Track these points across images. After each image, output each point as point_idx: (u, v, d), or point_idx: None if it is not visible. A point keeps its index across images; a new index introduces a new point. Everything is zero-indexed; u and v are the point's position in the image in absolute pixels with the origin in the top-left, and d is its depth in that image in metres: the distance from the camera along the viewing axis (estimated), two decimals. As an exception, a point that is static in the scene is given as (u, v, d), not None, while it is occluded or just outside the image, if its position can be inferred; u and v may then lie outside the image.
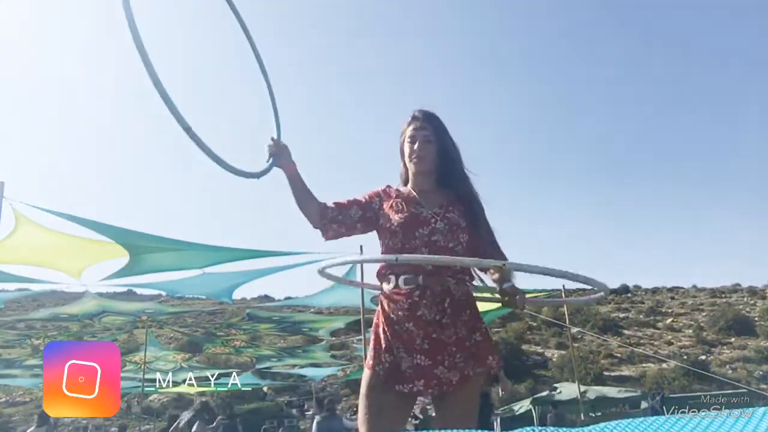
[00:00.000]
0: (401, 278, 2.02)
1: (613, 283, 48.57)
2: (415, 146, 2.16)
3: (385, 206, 2.18)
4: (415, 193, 2.19)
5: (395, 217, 2.10)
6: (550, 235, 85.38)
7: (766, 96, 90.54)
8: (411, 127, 2.20)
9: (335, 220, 2.18)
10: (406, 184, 2.26)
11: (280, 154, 2.18)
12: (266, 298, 38.79)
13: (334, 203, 2.21)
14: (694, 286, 47.23)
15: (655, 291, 46.62)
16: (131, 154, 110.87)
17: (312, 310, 13.45)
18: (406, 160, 2.20)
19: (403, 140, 2.22)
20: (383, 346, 2.00)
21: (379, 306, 2.10)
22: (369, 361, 2.03)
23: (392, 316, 2.01)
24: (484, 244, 2.12)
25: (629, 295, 45.58)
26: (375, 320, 2.11)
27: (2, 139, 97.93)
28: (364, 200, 2.22)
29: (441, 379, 1.92)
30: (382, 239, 2.14)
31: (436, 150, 2.16)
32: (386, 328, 2.02)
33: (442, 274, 2.01)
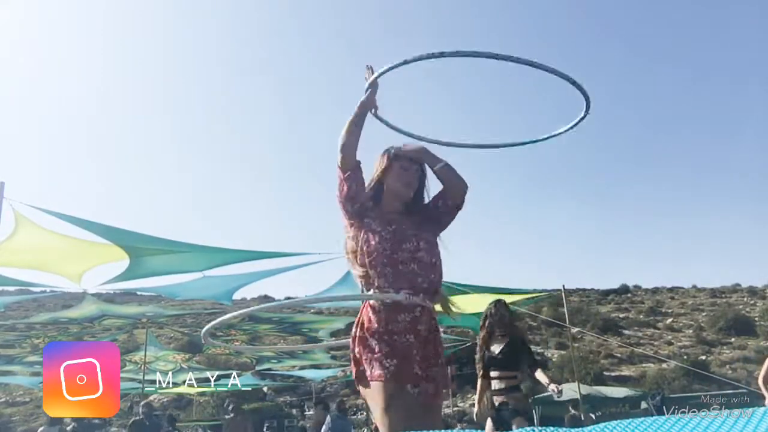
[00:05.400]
0: (402, 293, 2.17)
1: (613, 283, 48.65)
2: (408, 174, 2.37)
3: (372, 210, 2.36)
4: (390, 214, 2.37)
5: (385, 227, 2.28)
6: (549, 235, 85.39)
7: (767, 96, 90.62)
8: (406, 160, 2.39)
9: (361, 180, 2.35)
10: (371, 198, 2.40)
11: (374, 89, 2.42)
12: (266, 298, 38.77)
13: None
14: (694, 286, 47.23)
15: (655, 291, 46.59)
16: (132, 155, 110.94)
17: (312, 310, 13.44)
18: (393, 180, 2.36)
19: (393, 163, 2.39)
20: (384, 352, 2.13)
21: (366, 317, 2.23)
22: (375, 372, 2.12)
23: (390, 327, 2.16)
24: None
25: (629, 295, 45.58)
26: (360, 332, 2.23)
27: (2, 139, 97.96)
28: (366, 197, 2.38)
29: (423, 389, 2.13)
30: (363, 237, 2.28)
31: (418, 185, 2.41)
32: (384, 338, 2.15)
33: (433, 291, 2.24)
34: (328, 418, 9.45)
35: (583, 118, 2.61)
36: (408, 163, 2.39)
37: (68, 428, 7.83)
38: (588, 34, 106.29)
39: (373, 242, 2.24)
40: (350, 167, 2.33)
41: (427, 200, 2.43)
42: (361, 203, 2.33)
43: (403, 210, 2.38)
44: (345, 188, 2.33)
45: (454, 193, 2.35)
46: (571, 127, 2.68)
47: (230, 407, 12.34)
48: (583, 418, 12.73)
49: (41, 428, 9.10)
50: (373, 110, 2.44)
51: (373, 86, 2.40)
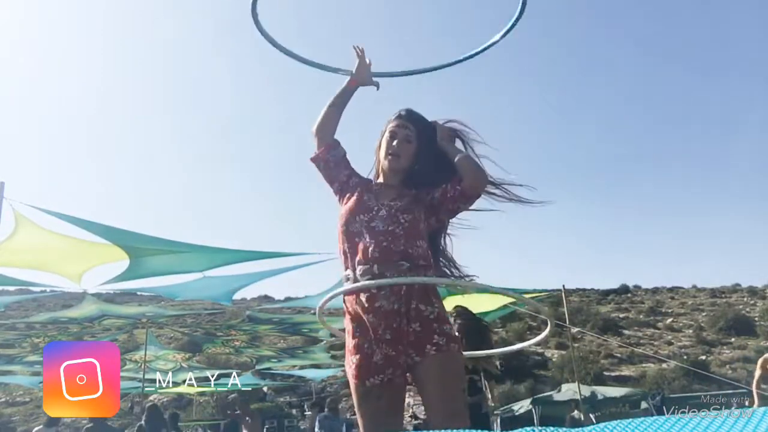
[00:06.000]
0: (358, 270, 2.04)
1: (613, 283, 48.63)
2: (394, 143, 2.18)
3: (350, 190, 2.23)
4: (375, 185, 2.23)
5: (350, 200, 2.16)
6: (549, 235, 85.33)
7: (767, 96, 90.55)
8: (394, 124, 2.22)
9: (332, 160, 2.25)
10: (377, 178, 2.30)
11: (363, 65, 2.30)
12: (266, 298, 38.72)
13: (342, 151, 2.28)
14: (694, 286, 47.19)
15: (655, 291, 46.57)
16: (132, 155, 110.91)
17: (312, 311, 13.44)
18: (381, 154, 2.23)
19: (383, 135, 2.24)
20: (351, 348, 2.04)
21: (345, 309, 2.13)
22: (347, 370, 2.07)
23: (353, 312, 2.04)
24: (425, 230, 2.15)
25: (629, 295, 45.57)
26: (345, 326, 2.13)
27: (2, 139, 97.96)
28: (349, 173, 2.28)
29: (402, 366, 1.98)
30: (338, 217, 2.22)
31: (413, 151, 2.19)
32: (351, 328, 2.05)
33: (392, 260, 2.00)
34: (318, 417, 9.48)
35: (518, 20, 2.47)
36: (396, 127, 2.20)
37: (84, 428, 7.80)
38: (593, 33, 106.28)
39: (339, 219, 2.16)
40: (323, 146, 2.25)
41: (435, 177, 2.18)
42: (341, 182, 2.23)
43: (400, 184, 2.20)
44: (320, 171, 2.27)
45: (468, 183, 2.09)
46: (507, 31, 2.53)
47: (239, 401, 12.35)
48: (582, 419, 12.72)
49: (37, 428, 9.03)
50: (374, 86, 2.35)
51: (357, 69, 2.31)
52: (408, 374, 2.01)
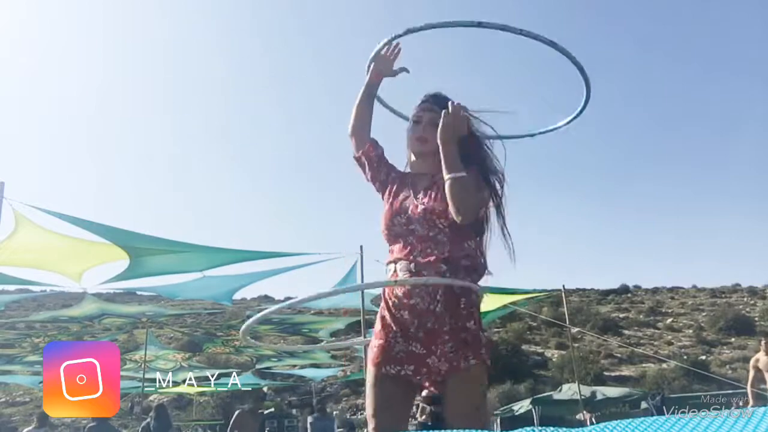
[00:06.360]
0: (398, 265, 2.04)
1: (613, 283, 48.63)
2: (420, 127, 2.16)
3: (390, 183, 2.22)
4: (410, 177, 2.21)
5: (389, 196, 2.16)
6: (549, 234, 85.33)
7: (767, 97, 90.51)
8: (419, 108, 2.20)
9: (375, 159, 2.24)
10: (410, 166, 2.28)
11: (383, 57, 2.26)
12: (266, 298, 38.73)
13: (380, 150, 2.27)
14: (694, 286, 47.21)
15: (655, 291, 46.59)
16: (132, 155, 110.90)
17: (312, 311, 13.45)
18: (409, 141, 2.21)
19: (411, 122, 2.22)
20: (378, 332, 2.05)
21: (382, 296, 2.12)
22: (369, 352, 2.08)
23: (391, 303, 2.04)
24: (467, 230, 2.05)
25: (629, 295, 45.57)
26: (379, 312, 2.12)
27: (2, 139, 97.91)
28: (388, 169, 2.26)
29: (431, 368, 1.93)
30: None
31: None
32: (386, 314, 2.05)
33: (434, 262, 1.98)
34: (309, 419, 9.55)
35: (583, 109, 2.34)
36: (421, 111, 2.17)
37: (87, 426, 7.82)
38: (593, 32, 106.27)
39: (381, 219, 2.15)
40: (361, 148, 2.25)
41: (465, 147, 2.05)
42: (382, 179, 2.23)
43: (434, 169, 2.13)
44: (362, 172, 2.26)
45: (452, 209, 1.97)
46: (571, 120, 2.41)
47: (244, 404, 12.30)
48: (583, 419, 12.72)
49: (27, 429, 9.03)
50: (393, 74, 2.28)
51: (376, 61, 2.26)
52: (426, 379, 1.98)
